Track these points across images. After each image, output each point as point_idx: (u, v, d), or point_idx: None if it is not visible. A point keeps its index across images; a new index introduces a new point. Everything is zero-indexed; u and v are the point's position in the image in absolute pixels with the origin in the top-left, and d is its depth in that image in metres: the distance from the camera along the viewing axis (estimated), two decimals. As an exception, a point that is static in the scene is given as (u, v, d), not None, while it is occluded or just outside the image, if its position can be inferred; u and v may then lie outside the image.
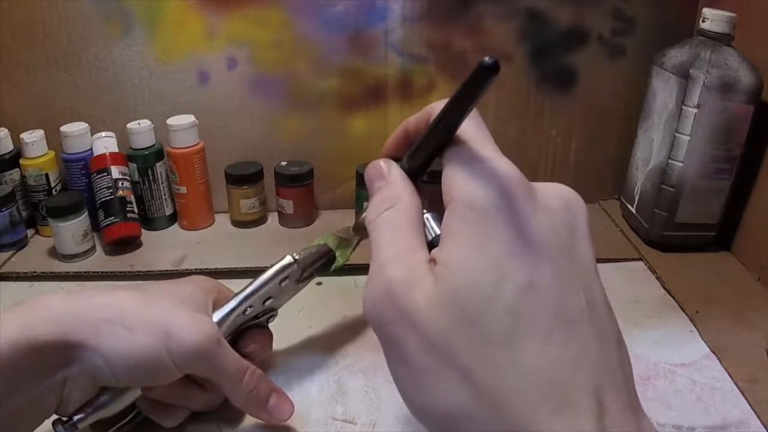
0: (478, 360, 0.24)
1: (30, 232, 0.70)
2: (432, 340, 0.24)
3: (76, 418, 0.37)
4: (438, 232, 0.28)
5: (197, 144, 0.69)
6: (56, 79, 0.68)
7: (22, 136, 0.67)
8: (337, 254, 0.46)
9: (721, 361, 0.49)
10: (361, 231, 0.45)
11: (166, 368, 0.37)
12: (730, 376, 0.48)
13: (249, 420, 0.43)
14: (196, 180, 0.70)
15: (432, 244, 0.27)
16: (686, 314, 0.55)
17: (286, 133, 0.73)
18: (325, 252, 0.46)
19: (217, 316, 0.42)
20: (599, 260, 0.27)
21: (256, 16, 0.67)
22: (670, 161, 0.62)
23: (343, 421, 0.44)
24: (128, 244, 0.67)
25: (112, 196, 0.66)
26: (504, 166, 0.26)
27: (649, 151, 0.66)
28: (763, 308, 0.56)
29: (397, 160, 0.31)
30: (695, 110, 0.59)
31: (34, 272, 0.62)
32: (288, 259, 0.44)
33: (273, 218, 0.74)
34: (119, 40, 0.67)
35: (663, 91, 0.64)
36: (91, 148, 0.68)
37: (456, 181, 0.26)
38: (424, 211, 0.29)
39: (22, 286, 0.61)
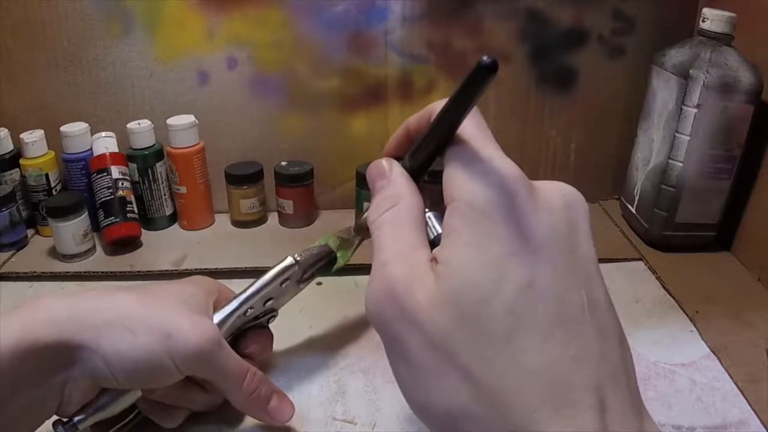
0: (478, 359, 0.24)
1: (30, 232, 0.70)
2: (433, 339, 0.24)
3: (76, 419, 0.37)
4: (440, 231, 0.28)
5: (197, 144, 0.69)
6: (56, 79, 0.68)
7: (22, 136, 0.67)
8: (338, 255, 0.46)
9: (721, 361, 0.49)
10: (362, 231, 0.45)
11: (167, 370, 0.37)
12: (730, 376, 0.48)
13: (249, 420, 0.43)
14: (196, 180, 0.70)
15: (434, 243, 0.27)
16: (686, 314, 0.55)
17: (286, 133, 0.73)
18: (326, 253, 0.46)
19: (218, 317, 0.42)
20: (599, 260, 0.27)
21: (256, 16, 0.67)
22: (670, 161, 0.62)
23: (343, 421, 0.44)
24: (128, 244, 0.67)
25: (112, 196, 0.66)
26: (505, 165, 0.26)
27: (649, 151, 0.66)
28: (763, 308, 0.56)
29: (398, 159, 0.31)
30: (695, 110, 0.59)
31: (34, 272, 0.62)
32: (289, 260, 0.44)
33: (273, 218, 0.74)
34: (119, 40, 0.67)
35: (663, 91, 0.64)
36: (91, 148, 0.68)
37: (457, 180, 0.26)
38: (427, 210, 0.29)
39: (22, 286, 0.61)
